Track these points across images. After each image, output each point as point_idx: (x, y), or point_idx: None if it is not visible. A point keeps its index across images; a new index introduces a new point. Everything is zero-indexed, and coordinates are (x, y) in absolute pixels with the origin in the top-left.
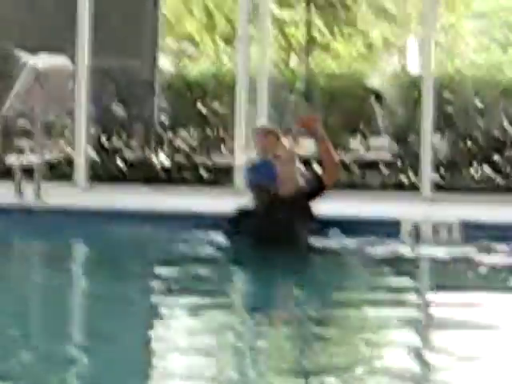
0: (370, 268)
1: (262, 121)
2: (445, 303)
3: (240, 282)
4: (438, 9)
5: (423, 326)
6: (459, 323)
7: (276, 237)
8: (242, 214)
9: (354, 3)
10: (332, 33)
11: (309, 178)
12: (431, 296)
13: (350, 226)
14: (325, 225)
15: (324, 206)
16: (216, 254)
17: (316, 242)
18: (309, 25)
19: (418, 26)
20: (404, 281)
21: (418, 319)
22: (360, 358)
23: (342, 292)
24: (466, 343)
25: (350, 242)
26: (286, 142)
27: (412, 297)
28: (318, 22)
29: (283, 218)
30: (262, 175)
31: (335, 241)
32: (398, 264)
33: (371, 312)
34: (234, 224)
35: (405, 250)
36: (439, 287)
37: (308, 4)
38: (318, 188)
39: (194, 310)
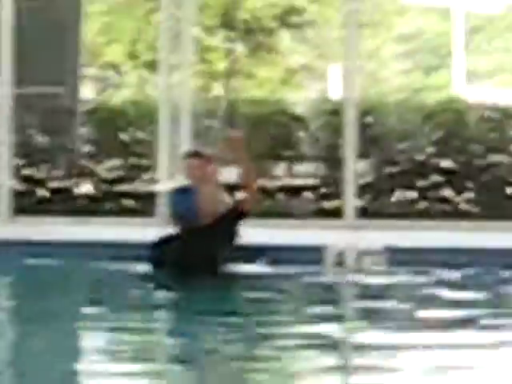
0: (291, 295)
1: (186, 148)
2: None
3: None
4: (361, 33)
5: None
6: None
7: (196, 265)
8: (164, 242)
9: (275, 29)
10: (254, 59)
11: (230, 204)
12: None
13: (275, 254)
14: (250, 252)
15: (249, 234)
16: (138, 283)
17: (238, 268)
18: (230, 51)
19: (341, 51)
20: (327, 309)
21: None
22: None
23: (263, 326)
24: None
25: (274, 269)
26: (211, 167)
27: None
28: (240, 48)
29: (203, 246)
30: (181, 205)
31: (259, 267)
32: (322, 291)
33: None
34: (156, 251)
35: (329, 277)
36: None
37: (230, 30)
38: (238, 214)
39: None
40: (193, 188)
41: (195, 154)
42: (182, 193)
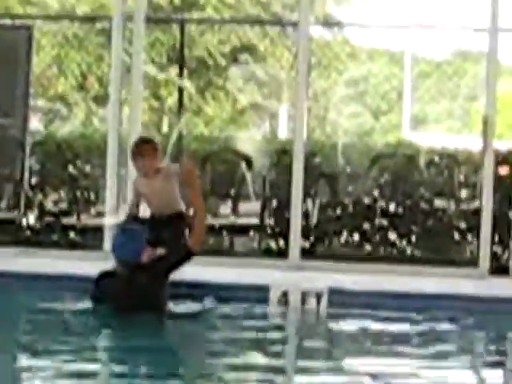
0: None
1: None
2: None
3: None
4: (311, 75)
5: None
6: None
7: (135, 303)
8: (105, 278)
9: (224, 68)
10: (203, 96)
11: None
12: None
13: (219, 292)
14: (194, 290)
15: (192, 272)
16: (77, 319)
17: (177, 307)
18: (180, 88)
19: (290, 92)
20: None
21: None
22: None
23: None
24: None
25: (214, 307)
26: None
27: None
28: (190, 85)
29: (143, 286)
30: (127, 249)
31: (198, 305)
32: (264, 331)
33: None
34: (97, 287)
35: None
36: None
37: (181, 67)
38: (184, 255)
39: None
40: (137, 229)
41: (144, 151)
42: (128, 234)
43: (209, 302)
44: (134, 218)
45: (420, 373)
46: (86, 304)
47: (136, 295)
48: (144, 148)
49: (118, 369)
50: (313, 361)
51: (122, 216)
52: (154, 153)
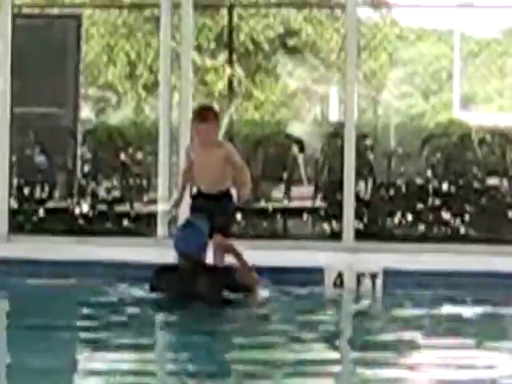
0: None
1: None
2: None
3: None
4: (360, 57)
5: None
6: None
7: (196, 295)
8: (165, 272)
9: (273, 52)
10: (253, 81)
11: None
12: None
13: (274, 275)
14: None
15: (247, 255)
16: (136, 306)
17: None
18: (230, 73)
19: (340, 75)
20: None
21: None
22: None
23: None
24: None
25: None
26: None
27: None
28: (239, 70)
29: (204, 286)
30: (190, 243)
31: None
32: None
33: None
34: (156, 281)
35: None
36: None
37: (230, 53)
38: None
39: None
40: (201, 223)
41: (205, 116)
42: (191, 228)
43: (263, 285)
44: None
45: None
46: (143, 292)
47: (198, 288)
48: (206, 113)
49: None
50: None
51: (173, 203)
52: (215, 120)
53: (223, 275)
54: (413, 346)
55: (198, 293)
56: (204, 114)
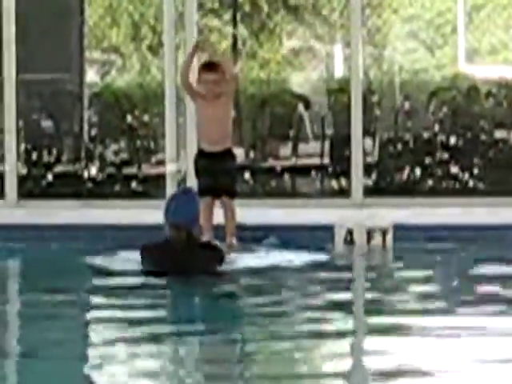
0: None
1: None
2: None
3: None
4: (364, 14)
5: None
6: None
7: (193, 267)
8: (153, 249)
9: (275, 11)
10: (257, 40)
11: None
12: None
13: (283, 233)
14: (258, 232)
15: (255, 214)
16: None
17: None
18: (235, 33)
19: (345, 31)
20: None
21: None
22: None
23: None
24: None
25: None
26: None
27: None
28: (243, 30)
29: (192, 261)
30: (183, 214)
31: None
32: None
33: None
34: (144, 258)
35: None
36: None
37: (234, 12)
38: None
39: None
40: (191, 192)
41: (213, 67)
42: (185, 203)
43: (270, 243)
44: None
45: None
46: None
47: (184, 270)
48: (214, 65)
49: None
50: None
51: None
52: (222, 72)
53: (216, 251)
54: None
55: (193, 269)
56: (212, 65)
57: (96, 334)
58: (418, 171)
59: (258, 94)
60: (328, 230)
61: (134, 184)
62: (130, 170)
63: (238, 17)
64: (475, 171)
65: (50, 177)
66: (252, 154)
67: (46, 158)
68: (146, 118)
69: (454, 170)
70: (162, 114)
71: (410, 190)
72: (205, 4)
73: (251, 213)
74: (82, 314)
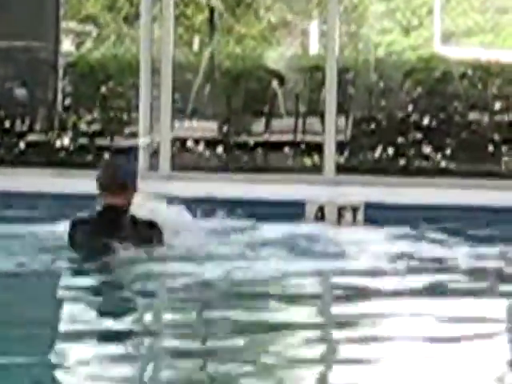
0: None
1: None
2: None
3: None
4: None
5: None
6: None
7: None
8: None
9: None
10: (234, 14)
11: None
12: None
13: (254, 208)
14: (229, 206)
15: (228, 189)
16: None
17: None
18: (211, 6)
19: (321, 8)
20: None
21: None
22: None
23: None
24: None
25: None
26: None
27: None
28: (220, 3)
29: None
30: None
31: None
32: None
33: None
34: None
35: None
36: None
37: None
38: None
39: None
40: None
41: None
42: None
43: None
44: None
45: None
46: None
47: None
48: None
49: None
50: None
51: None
52: None
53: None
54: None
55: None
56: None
57: None
58: (390, 150)
59: (233, 69)
60: (299, 205)
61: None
62: (103, 142)
63: None
64: (447, 152)
65: (22, 145)
66: (225, 129)
67: (18, 126)
68: (120, 89)
69: (427, 150)
70: (136, 85)
71: (382, 168)
72: None
73: (224, 186)
74: None
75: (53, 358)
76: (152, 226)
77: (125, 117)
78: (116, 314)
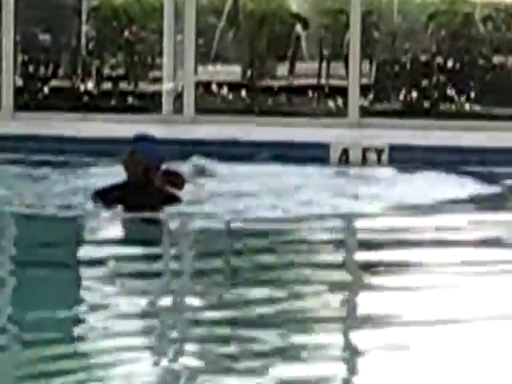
0: None
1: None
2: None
3: None
4: None
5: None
6: None
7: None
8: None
9: None
10: None
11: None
12: None
13: (280, 151)
14: (255, 149)
15: (253, 132)
16: None
17: None
18: None
19: None
20: None
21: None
22: None
23: None
24: None
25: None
26: None
27: None
28: None
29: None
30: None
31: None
32: None
33: None
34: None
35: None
36: None
37: None
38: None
39: None
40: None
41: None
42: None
43: (263, 159)
44: None
45: None
46: None
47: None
48: None
49: None
50: None
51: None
52: None
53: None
54: None
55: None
56: None
57: None
58: (414, 93)
59: (257, 12)
60: (324, 148)
61: (130, 99)
62: (127, 86)
63: None
64: (472, 95)
65: (46, 90)
66: (249, 73)
67: (42, 71)
68: (143, 33)
69: (451, 92)
70: (160, 30)
71: (406, 111)
72: None
73: (247, 130)
74: None
75: None
76: (175, 197)
77: (149, 61)
78: None
